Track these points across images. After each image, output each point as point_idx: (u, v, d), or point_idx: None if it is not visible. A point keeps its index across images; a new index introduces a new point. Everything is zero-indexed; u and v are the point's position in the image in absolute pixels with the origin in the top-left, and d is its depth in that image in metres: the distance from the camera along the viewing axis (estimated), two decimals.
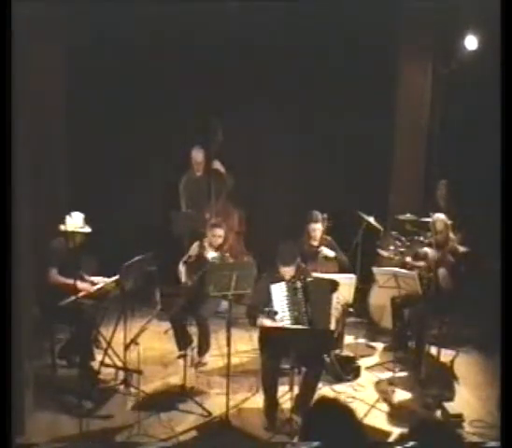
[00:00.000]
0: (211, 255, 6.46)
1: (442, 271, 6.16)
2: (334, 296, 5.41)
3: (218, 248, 6.53)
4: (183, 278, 6.45)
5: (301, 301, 5.26)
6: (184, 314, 6.20)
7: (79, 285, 5.61)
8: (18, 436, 4.64)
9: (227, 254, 6.55)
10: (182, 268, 6.51)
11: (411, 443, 2.60)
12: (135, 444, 4.85)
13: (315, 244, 6.65)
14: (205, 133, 7.71)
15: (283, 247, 5.40)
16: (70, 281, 5.41)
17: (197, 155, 7.86)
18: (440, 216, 6.36)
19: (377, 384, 5.96)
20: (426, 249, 6.44)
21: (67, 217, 5.70)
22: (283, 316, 5.23)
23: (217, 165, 7.81)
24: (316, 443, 2.53)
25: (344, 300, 5.90)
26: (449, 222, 6.31)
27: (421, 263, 6.44)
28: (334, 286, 5.43)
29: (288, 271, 5.34)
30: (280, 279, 5.32)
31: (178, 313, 6.18)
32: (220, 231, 6.51)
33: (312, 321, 5.24)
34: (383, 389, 5.83)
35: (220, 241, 6.52)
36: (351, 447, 2.64)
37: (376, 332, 7.12)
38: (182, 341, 6.15)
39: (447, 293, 6.10)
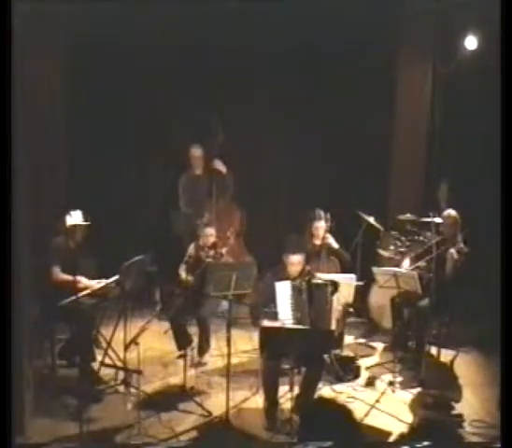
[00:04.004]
0: (206, 254, 6.43)
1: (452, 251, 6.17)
2: (335, 298, 5.41)
3: (212, 247, 6.51)
4: (183, 278, 6.43)
5: (304, 302, 5.26)
6: (184, 314, 6.20)
7: (82, 282, 5.62)
8: (18, 436, 4.63)
9: (224, 252, 6.52)
10: (182, 268, 6.51)
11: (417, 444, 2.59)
12: (135, 445, 4.85)
13: (318, 243, 6.63)
14: (205, 133, 7.72)
15: (289, 239, 5.57)
16: (73, 278, 5.40)
17: (195, 151, 7.84)
18: (451, 212, 6.36)
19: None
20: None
21: (67, 217, 5.70)
22: (286, 316, 5.23)
23: (218, 165, 7.79)
24: (328, 443, 2.51)
25: (344, 300, 5.90)
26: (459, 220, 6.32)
27: (422, 263, 6.44)
28: (335, 287, 5.43)
29: (295, 263, 5.34)
30: (286, 277, 5.33)
31: (178, 313, 6.17)
32: (210, 231, 6.51)
33: (313, 322, 5.23)
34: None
35: (212, 240, 6.51)
36: (351, 447, 2.64)
37: (376, 332, 7.13)
38: (182, 341, 6.15)
39: (449, 286, 6.10)
